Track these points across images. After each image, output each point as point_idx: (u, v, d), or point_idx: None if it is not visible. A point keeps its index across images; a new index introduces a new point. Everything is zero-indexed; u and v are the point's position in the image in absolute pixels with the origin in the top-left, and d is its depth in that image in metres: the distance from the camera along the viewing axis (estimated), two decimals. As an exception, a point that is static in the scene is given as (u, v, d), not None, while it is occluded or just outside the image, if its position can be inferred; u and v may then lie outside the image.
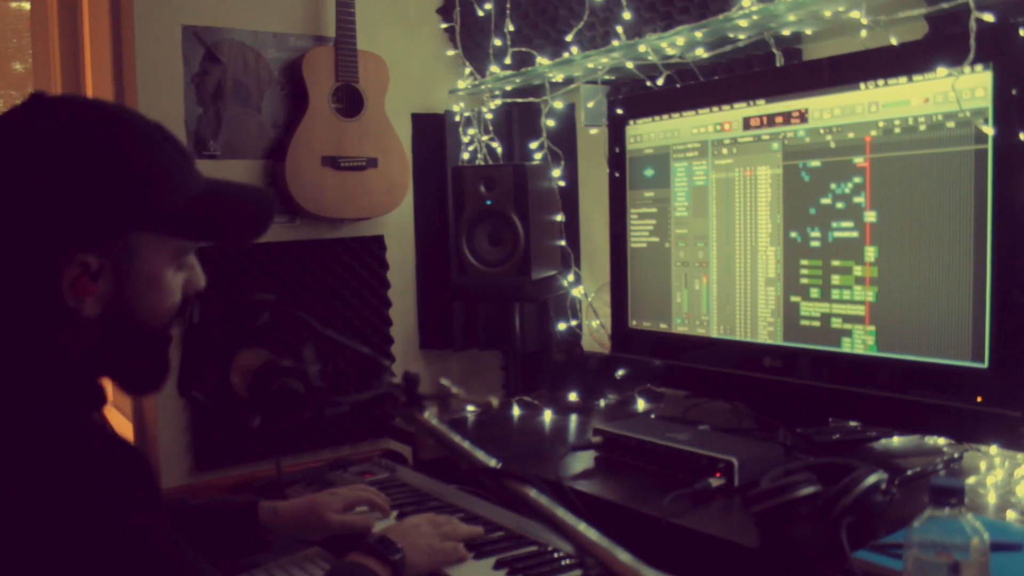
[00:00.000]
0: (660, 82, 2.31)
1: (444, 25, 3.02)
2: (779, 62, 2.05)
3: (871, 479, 1.22)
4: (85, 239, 0.96)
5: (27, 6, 3.37)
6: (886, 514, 1.25)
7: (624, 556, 0.76)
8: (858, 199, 1.64)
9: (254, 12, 2.69)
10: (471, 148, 2.99)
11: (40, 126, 0.97)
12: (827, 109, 1.69)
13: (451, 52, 3.00)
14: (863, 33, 1.82)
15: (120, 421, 2.95)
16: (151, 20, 2.53)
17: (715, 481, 1.53)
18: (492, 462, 0.88)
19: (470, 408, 2.23)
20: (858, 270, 1.65)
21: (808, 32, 2.00)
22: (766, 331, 1.83)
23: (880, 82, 1.60)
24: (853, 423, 1.76)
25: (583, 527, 0.78)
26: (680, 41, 2.12)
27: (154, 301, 1.03)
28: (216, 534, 1.40)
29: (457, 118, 3.00)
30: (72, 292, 0.96)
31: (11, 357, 0.94)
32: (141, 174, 0.98)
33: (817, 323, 1.73)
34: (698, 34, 2.06)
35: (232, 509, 1.43)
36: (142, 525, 0.90)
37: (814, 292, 1.73)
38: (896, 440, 1.73)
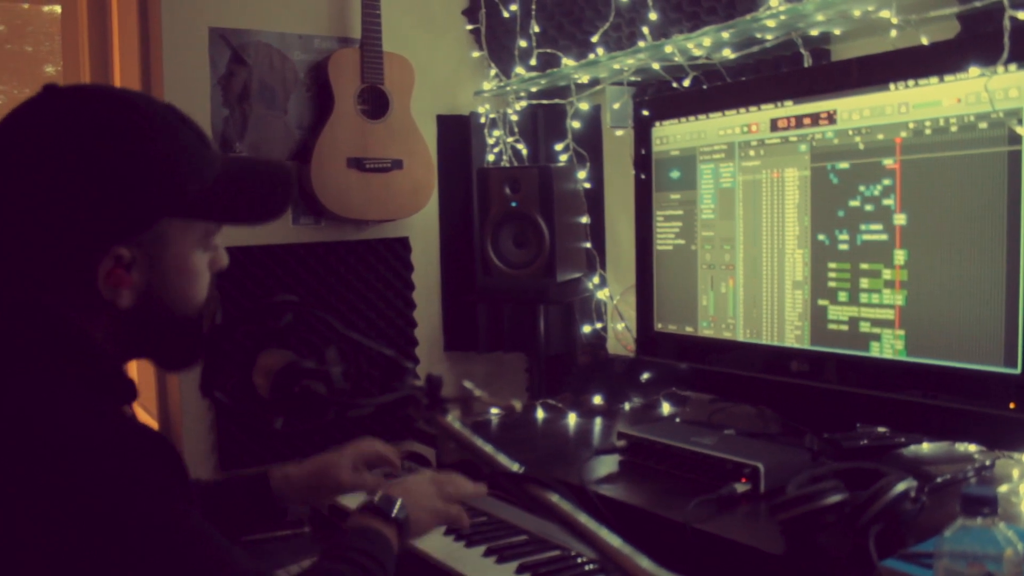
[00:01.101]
0: (686, 83, 2.29)
1: (470, 27, 3.01)
2: (807, 63, 2.03)
3: (900, 486, 1.20)
4: (117, 230, 0.96)
5: (59, 9, 3.40)
6: (915, 522, 1.23)
7: (645, 562, 0.75)
8: (887, 201, 1.62)
9: (280, 14, 2.70)
10: (496, 150, 2.99)
11: (59, 119, 0.96)
12: (856, 110, 1.67)
13: (476, 54, 3.00)
14: (893, 33, 1.79)
15: (145, 420, 2.96)
16: (178, 22, 2.54)
17: (741, 487, 1.51)
18: (515, 467, 0.87)
19: (493, 411, 2.22)
20: (887, 273, 1.62)
21: (837, 32, 1.97)
22: (793, 335, 1.81)
23: (910, 82, 1.58)
24: (882, 429, 1.73)
25: (604, 533, 0.77)
26: (707, 42, 2.10)
27: (186, 286, 1.03)
28: (230, 507, 1.39)
29: (482, 120, 2.99)
30: (107, 284, 0.96)
31: (46, 353, 0.93)
32: (164, 161, 0.98)
33: (845, 327, 1.70)
34: (725, 35, 2.04)
35: (244, 481, 1.43)
36: (177, 515, 0.90)
37: (842, 295, 1.71)
38: (926, 446, 1.70)
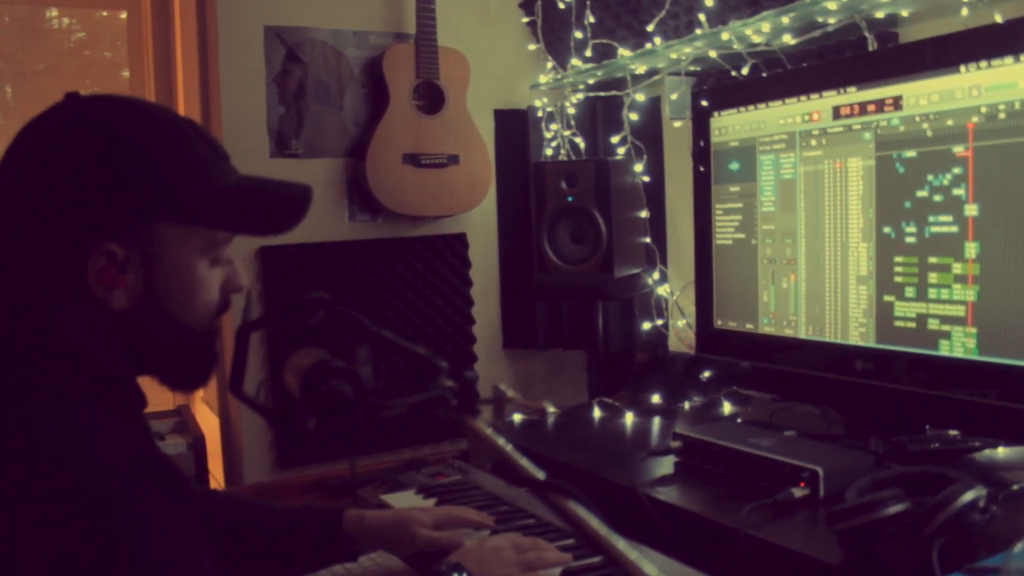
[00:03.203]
0: (745, 71, 2.21)
1: (526, 19, 2.97)
2: (872, 47, 1.94)
3: (968, 496, 1.12)
4: (109, 227, 0.94)
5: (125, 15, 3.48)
6: (984, 534, 1.14)
7: (650, 569, 0.70)
8: (958, 191, 1.53)
9: (335, 11, 2.69)
10: (554, 144, 2.94)
11: (67, 120, 0.96)
12: (924, 95, 1.58)
13: (533, 46, 2.95)
14: (964, 11, 1.69)
15: (207, 417, 3.00)
16: (234, 22, 2.56)
17: (798, 491, 1.44)
18: (540, 475, 0.83)
19: (516, 416, 2.16)
20: (958, 267, 1.53)
21: (904, 14, 1.88)
22: (857, 332, 1.72)
23: (983, 64, 1.48)
24: (953, 432, 1.64)
25: (622, 543, 0.72)
26: (766, 27, 2.02)
27: (186, 295, 1.00)
28: (299, 541, 1.35)
29: (539, 113, 2.95)
30: (99, 283, 0.94)
31: (45, 353, 0.92)
32: (165, 162, 0.97)
33: (913, 324, 1.61)
34: (785, 19, 1.96)
35: (316, 516, 1.37)
36: (176, 558, 0.87)
37: (909, 291, 1.62)
38: (1001, 451, 1.61)
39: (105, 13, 3.90)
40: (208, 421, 2.93)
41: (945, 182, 1.55)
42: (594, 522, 0.73)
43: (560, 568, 1.20)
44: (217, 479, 2.73)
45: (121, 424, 0.91)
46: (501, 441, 0.87)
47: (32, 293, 0.95)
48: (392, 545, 1.36)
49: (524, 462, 0.85)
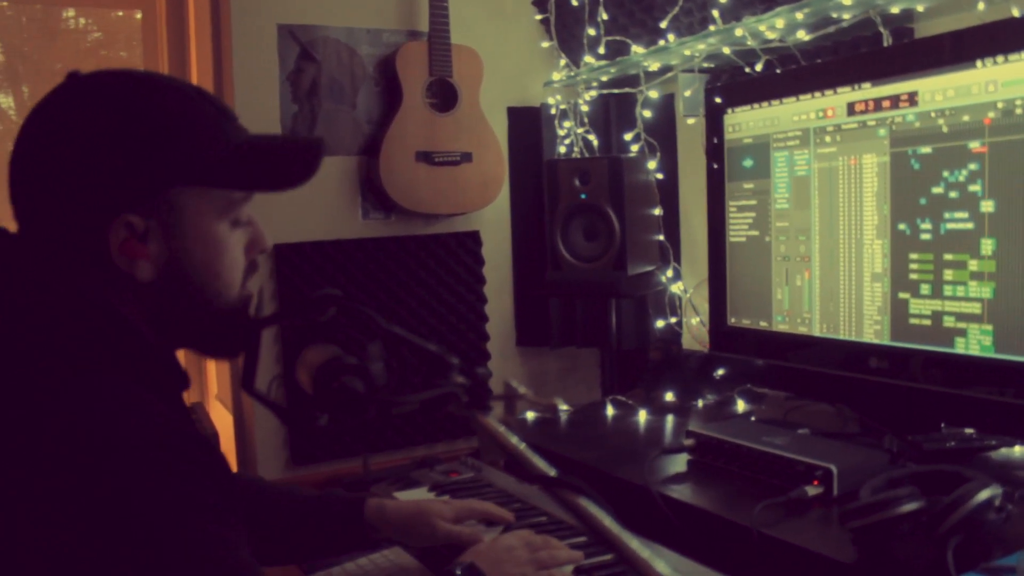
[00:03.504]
0: (759, 68, 2.20)
1: (539, 16, 2.96)
2: (887, 42, 1.92)
3: (983, 494, 1.11)
4: (125, 199, 0.94)
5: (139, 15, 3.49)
6: (1000, 533, 1.14)
7: (662, 567, 0.69)
8: (974, 187, 1.52)
9: (348, 9, 2.69)
10: (568, 141, 2.93)
11: (71, 97, 0.97)
12: (939, 91, 1.57)
13: (546, 44, 2.95)
14: (981, 6, 1.68)
15: (221, 414, 3.01)
16: (247, 20, 2.56)
17: (812, 490, 1.43)
18: (551, 471, 0.83)
19: (530, 414, 2.16)
20: (973, 264, 1.52)
21: (920, 9, 1.86)
22: (872, 330, 1.71)
23: (999, 58, 1.47)
24: (969, 430, 1.62)
25: (635, 542, 0.72)
26: (780, 23, 2.01)
27: (210, 259, 1.00)
28: (320, 527, 1.36)
29: (553, 111, 2.94)
30: (122, 255, 0.94)
31: (80, 329, 0.92)
32: (173, 127, 0.96)
33: (928, 322, 1.60)
34: (798, 15, 1.95)
35: (338, 504, 1.38)
36: (215, 537, 0.86)
37: (924, 288, 1.61)
38: (1017, 450, 1.59)
39: (121, 13, 3.92)
40: (222, 418, 2.94)
41: (961, 178, 1.54)
42: (605, 519, 0.73)
43: (572, 566, 1.20)
44: (231, 476, 2.74)
45: (158, 399, 0.91)
46: (513, 439, 0.87)
47: (60, 272, 0.94)
48: (411, 536, 1.36)
49: (535, 459, 0.85)
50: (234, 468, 2.69)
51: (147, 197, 0.95)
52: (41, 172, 0.95)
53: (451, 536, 1.31)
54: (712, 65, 2.42)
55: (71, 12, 3.91)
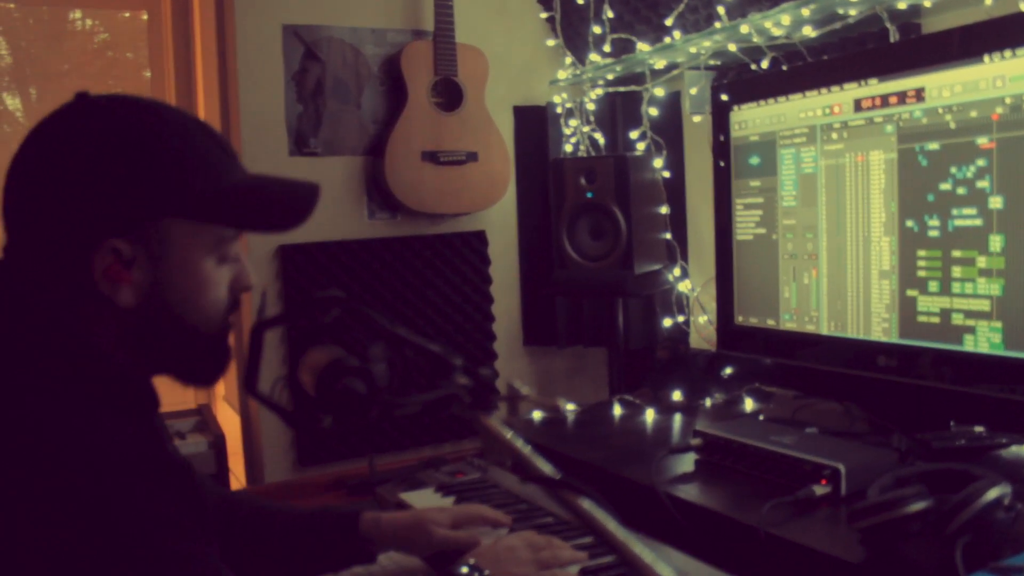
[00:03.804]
0: (765, 65, 2.19)
1: (544, 15, 2.96)
2: (893, 38, 1.91)
3: (992, 493, 1.10)
4: (114, 224, 0.94)
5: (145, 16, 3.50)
6: (1010, 532, 1.12)
7: (665, 571, 0.69)
8: (982, 183, 1.50)
9: (352, 9, 2.69)
10: (574, 140, 2.93)
11: (74, 120, 0.97)
12: (946, 86, 1.55)
13: (551, 42, 2.94)
14: (988, 1, 1.66)
15: (229, 415, 3.01)
16: (252, 21, 2.57)
17: (820, 489, 1.42)
18: (553, 472, 0.82)
19: (537, 414, 2.15)
20: (982, 261, 1.51)
21: (927, 4, 1.85)
22: (880, 328, 1.70)
23: (1007, 53, 1.45)
24: (979, 428, 1.61)
25: (638, 544, 0.71)
26: (785, 20, 2.00)
27: (192, 292, 1.00)
28: (316, 543, 1.35)
29: (559, 109, 2.93)
30: (105, 279, 0.95)
31: (50, 351, 0.92)
32: (171, 159, 0.96)
33: (936, 319, 1.59)
34: (804, 11, 1.94)
35: (333, 518, 1.38)
36: (184, 555, 0.86)
37: (933, 285, 1.59)
38: (1028, 447, 1.58)
39: (127, 14, 3.93)
40: (229, 420, 2.94)
41: (969, 174, 1.52)
42: (608, 521, 0.72)
43: (577, 567, 1.20)
44: (238, 478, 2.74)
45: (125, 421, 0.91)
46: (519, 442, 0.86)
47: (39, 290, 0.95)
48: (409, 546, 1.35)
49: (537, 460, 0.84)
50: (241, 469, 2.70)
51: (136, 225, 0.95)
52: (35, 189, 0.95)
53: (449, 542, 1.31)
54: (718, 62, 2.41)
55: (78, 13, 3.92)
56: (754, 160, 1.98)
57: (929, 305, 1.60)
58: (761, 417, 2.01)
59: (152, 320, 0.98)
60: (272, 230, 1.07)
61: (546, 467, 0.85)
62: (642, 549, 0.72)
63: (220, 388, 3.30)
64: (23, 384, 0.88)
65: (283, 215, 1.05)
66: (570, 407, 2.21)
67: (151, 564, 0.83)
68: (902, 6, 1.85)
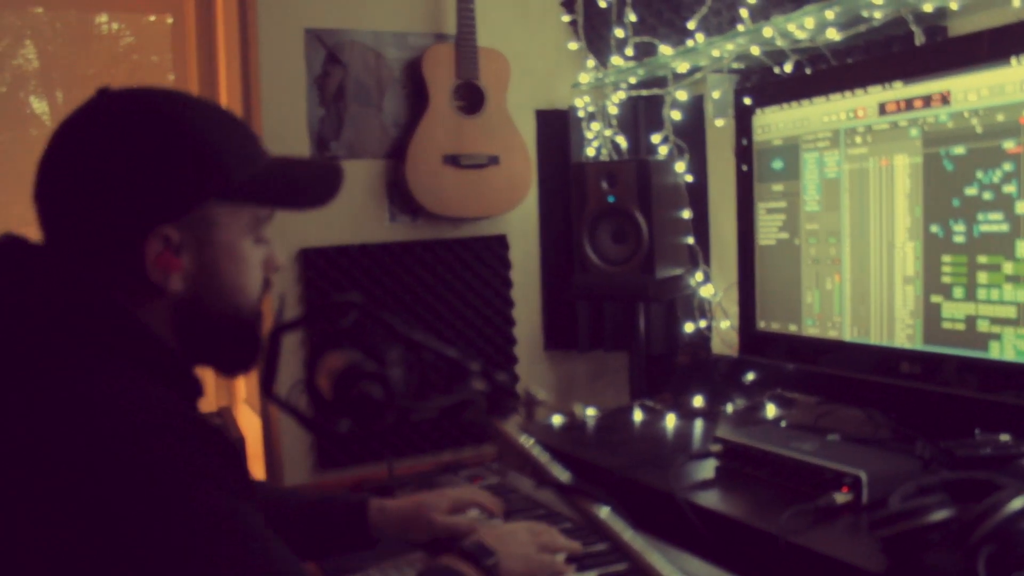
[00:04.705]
0: (788, 68, 2.17)
1: (566, 18, 2.95)
2: (919, 41, 1.89)
3: (1017, 503, 1.08)
4: (164, 212, 0.96)
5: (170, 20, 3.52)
6: (1035, 543, 1.10)
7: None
8: (1009, 188, 1.48)
9: (374, 12, 2.69)
10: (596, 144, 2.92)
11: (107, 112, 0.98)
12: (972, 90, 1.53)
13: (574, 46, 2.93)
14: (1016, 2, 1.64)
15: (249, 418, 3.03)
16: (274, 25, 2.57)
17: (841, 497, 1.40)
18: (566, 477, 0.81)
19: (557, 419, 2.14)
20: (1008, 267, 1.48)
21: (953, 6, 1.82)
22: (904, 334, 1.68)
23: (1034, 56, 1.44)
24: (1004, 436, 1.59)
25: (650, 552, 0.70)
26: (809, 23, 1.98)
27: (236, 274, 1.03)
28: (324, 528, 1.40)
29: (581, 113, 2.92)
30: (157, 267, 0.97)
31: (99, 337, 0.94)
32: (211, 144, 0.99)
33: (961, 326, 1.57)
34: (829, 14, 1.92)
35: (342, 505, 1.43)
36: (227, 509, 0.88)
37: (958, 291, 1.57)
38: (1055, 457, 1.55)
39: (152, 18, 3.96)
40: (250, 422, 2.96)
41: (995, 179, 1.50)
42: (620, 527, 0.72)
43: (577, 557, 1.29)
44: (258, 479, 2.75)
45: (175, 396, 0.94)
46: (533, 447, 0.85)
47: (91, 280, 0.96)
48: (411, 532, 1.42)
49: (551, 465, 0.84)
50: (261, 472, 2.71)
51: (184, 211, 0.97)
52: (77, 182, 0.97)
53: (448, 527, 1.39)
54: (741, 66, 2.39)
55: (104, 17, 3.96)
56: (777, 164, 1.97)
57: (954, 311, 1.58)
58: (783, 423, 1.99)
59: (198, 304, 1.01)
60: (307, 207, 1.10)
61: (561, 473, 0.84)
62: (656, 559, 0.71)
63: (241, 391, 3.32)
64: (82, 365, 0.90)
65: (317, 192, 1.09)
66: (590, 412, 2.20)
67: (199, 518, 0.85)
68: (928, 8, 1.83)
